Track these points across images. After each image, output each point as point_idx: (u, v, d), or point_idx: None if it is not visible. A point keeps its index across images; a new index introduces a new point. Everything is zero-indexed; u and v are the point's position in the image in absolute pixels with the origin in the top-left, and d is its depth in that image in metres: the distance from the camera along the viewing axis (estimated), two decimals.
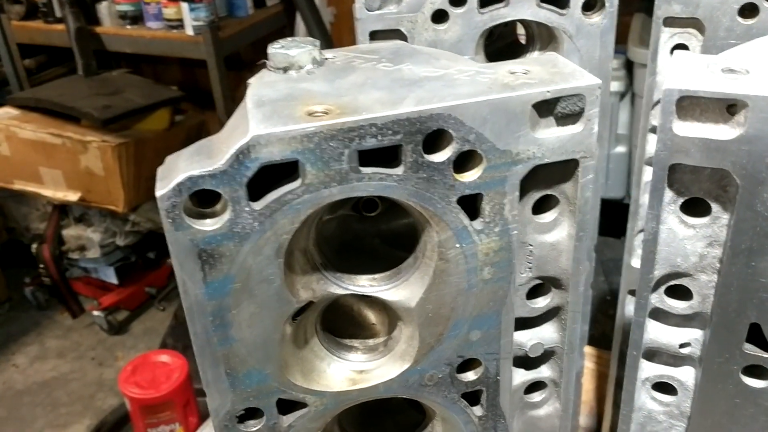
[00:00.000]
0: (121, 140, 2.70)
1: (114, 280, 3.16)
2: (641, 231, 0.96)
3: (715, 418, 0.61)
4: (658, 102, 0.83)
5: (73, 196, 2.81)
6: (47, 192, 2.85)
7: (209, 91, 2.98)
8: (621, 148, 2.66)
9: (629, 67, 2.50)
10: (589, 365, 1.51)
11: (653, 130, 0.88)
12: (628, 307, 1.05)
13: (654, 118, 0.88)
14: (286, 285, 0.52)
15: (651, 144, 0.91)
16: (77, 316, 3.19)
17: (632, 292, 1.03)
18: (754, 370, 0.58)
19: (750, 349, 0.57)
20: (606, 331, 1.62)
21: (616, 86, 2.45)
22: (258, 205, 0.49)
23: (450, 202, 0.52)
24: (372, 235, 0.61)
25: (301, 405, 0.58)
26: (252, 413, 0.57)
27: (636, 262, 1.00)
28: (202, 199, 0.49)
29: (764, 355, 0.56)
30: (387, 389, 0.59)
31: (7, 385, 2.88)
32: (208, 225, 0.49)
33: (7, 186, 2.91)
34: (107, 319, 3.05)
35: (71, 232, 3.00)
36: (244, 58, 3.35)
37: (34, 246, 3.03)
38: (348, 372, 0.59)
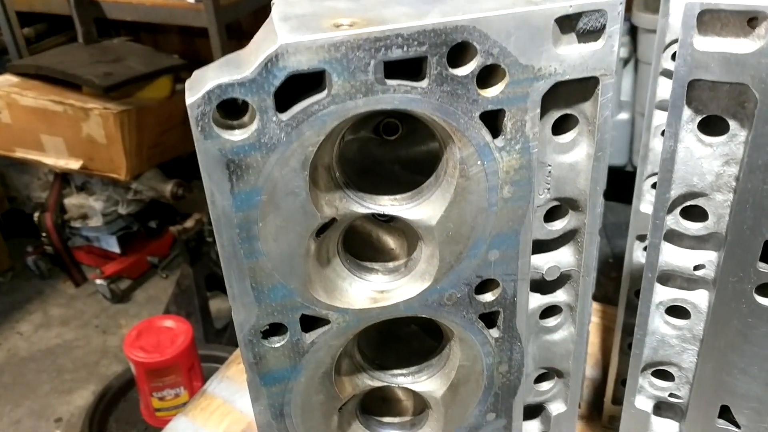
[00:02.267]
0: (123, 108, 2.69)
1: (116, 249, 3.17)
2: (651, 175, 0.97)
3: (727, 339, 0.63)
4: (670, 44, 0.83)
5: (74, 164, 2.81)
6: (49, 160, 2.85)
7: (210, 61, 2.96)
8: (624, 115, 2.67)
9: (633, 33, 2.50)
10: (593, 320, 1.52)
11: (665, 73, 0.89)
12: (636, 252, 1.06)
13: (665, 60, 0.89)
14: (311, 199, 0.53)
15: (662, 87, 0.92)
16: (80, 284, 3.20)
17: (641, 238, 1.04)
18: (767, 289, 0.59)
19: (764, 267, 0.58)
20: (609, 293, 1.64)
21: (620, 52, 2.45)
22: (285, 116, 0.50)
23: (473, 117, 0.53)
24: (392, 160, 0.61)
25: (324, 322, 0.59)
26: (276, 329, 0.58)
27: (645, 207, 1.01)
28: (230, 111, 0.50)
29: None
30: (407, 308, 0.60)
31: (11, 352, 2.90)
32: (237, 135, 0.50)
33: (8, 154, 2.91)
34: (110, 288, 3.06)
35: (73, 201, 3.01)
36: (244, 28, 3.33)
37: (36, 215, 3.04)
38: (369, 291, 0.60)
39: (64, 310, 3.11)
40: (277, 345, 0.59)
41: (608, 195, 1.23)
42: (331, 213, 0.56)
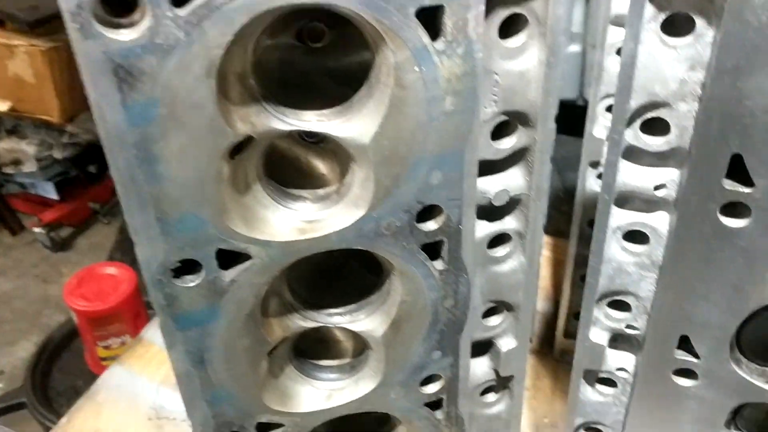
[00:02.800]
0: (52, 44, 2.52)
1: (54, 196, 3.02)
2: (606, 96, 0.91)
3: (689, 264, 0.58)
4: None
5: (2, 106, 2.64)
6: None
7: None
8: (574, 47, 2.60)
9: None
10: (544, 253, 1.49)
11: None
12: (589, 180, 1.01)
13: None
14: (221, 113, 0.45)
15: (615, 3, 0.85)
16: (17, 233, 3.06)
17: (594, 164, 0.99)
18: (732, 209, 0.54)
19: (730, 184, 0.53)
20: (560, 227, 1.60)
21: None
22: (183, 11, 0.41)
23: (407, 15, 0.45)
24: (318, 71, 0.54)
25: (245, 257, 0.52)
26: (189, 266, 0.51)
27: (599, 131, 0.96)
28: (115, 5, 0.41)
29: (745, 190, 0.52)
30: (341, 239, 0.54)
31: None
32: (124, 34, 0.41)
33: None
34: (49, 236, 2.93)
35: (4, 145, 2.84)
36: None
37: None
38: (296, 222, 0.53)
39: (1, 259, 2.97)
40: (191, 284, 0.52)
41: (559, 128, 1.18)
42: (246, 130, 0.48)
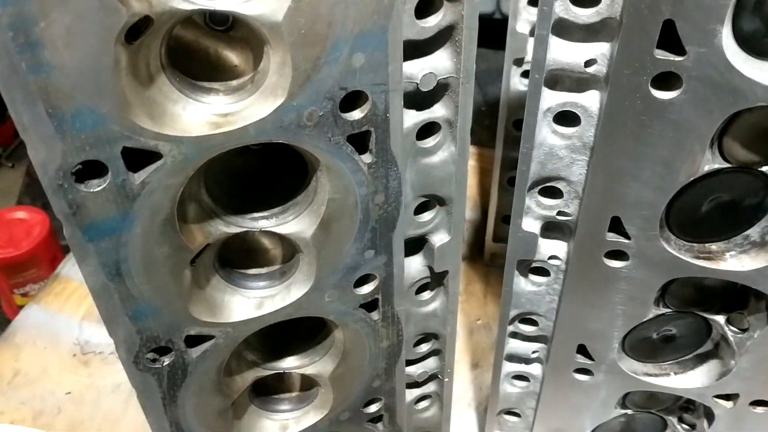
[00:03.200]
0: None
1: None
2: None
3: (620, 142, 0.57)
4: None
5: None
6: None
7: None
8: None
9: None
10: (470, 162, 1.49)
11: None
12: (513, 79, 0.99)
13: None
14: None
15: None
16: None
17: (518, 62, 0.97)
18: (663, 81, 0.53)
19: (661, 54, 0.51)
20: (483, 141, 1.60)
21: None
22: None
23: None
24: None
25: (156, 156, 0.48)
26: (93, 169, 0.46)
27: (522, 26, 0.93)
28: None
29: (676, 59, 0.51)
30: (259, 132, 0.49)
31: None
32: None
33: None
34: None
35: None
36: None
37: None
38: (208, 115, 0.49)
39: None
40: (97, 189, 0.47)
41: (477, 42, 1.15)
42: (142, 8, 0.43)
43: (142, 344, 0.57)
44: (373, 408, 0.77)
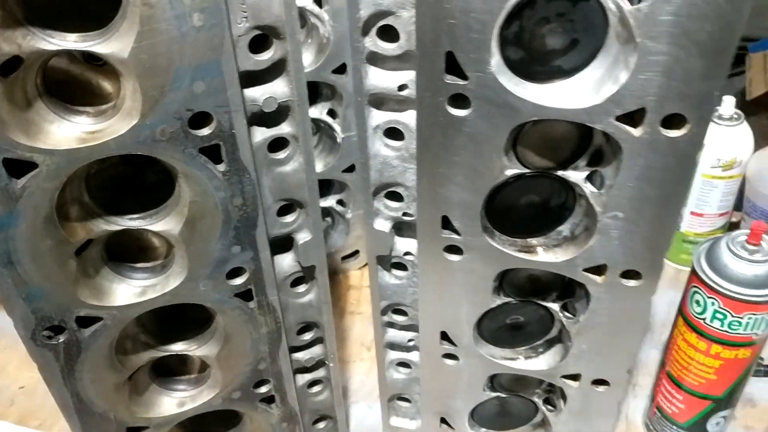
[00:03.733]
0: None
1: None
2: None
3: (433, 152, 0.68)
4: None
5: None
6: None
7: None
8: None
9: None
10: None
11: None
12: None
13: None
14: None
15: None
16: None
17: None
18: (457, 100, 0.64)
19: (450, 79, 0.63)
20: None
21: None
22: None
23: None
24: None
25: (33, 165, 0.60)
26: None
27: None
28: None
29: (462, 83, 0.62)
30: (119, 146, 0.61)
31: None
32: None
33: None
34: None
35: None
36: None
37: None
38: (77, 132, 0.61)
39: None
40: None
41: None
42: (11, 49, 0.55)
43: (37, 323, 0.69)
44: (263, 389, 0.88)
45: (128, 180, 0.70)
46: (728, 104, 1.11)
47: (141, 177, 0.71)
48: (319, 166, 1.19)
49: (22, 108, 0.58)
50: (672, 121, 0.61)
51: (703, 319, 0.86)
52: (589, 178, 0.69)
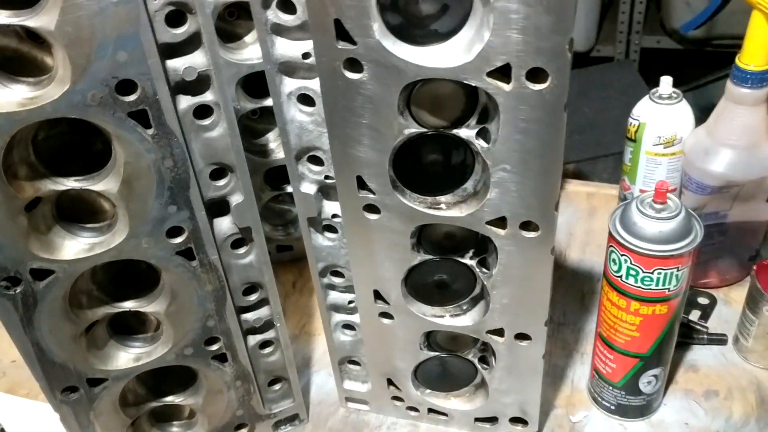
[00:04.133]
0: None
1: None
2: None
3: (339, 115, 0.76)
4: None
5: None
6: None
7: None
8: None
9: None
10: None
11: None
12: None
13: None
14: None
15: None
16: None
17: None
18: (351, 64, 0.72)
19: (342, 44, 0.71)
20: None
21: None
22: None
23: None
24: None
25: None
26: None
27: None
28: None
29: (351, 47, 0.70)
30: (55, 109, 0.71)
31: None
32: None
33: None
34: None
35: None
36: None
37: None
38: (17, 98, 0.70)
39: None
40: None
41: None
42: None
43: None
44: (214, 347, 0.96)
45: (73, 145, 0.80)
46: (666, 83, 1.16)
47: (84, 142, 0.80)
48: None
49: None
50: (535, 75, 0.67)
51: (620, 276, 0.91)
52: (481, 135, 0.76)
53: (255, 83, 1.12)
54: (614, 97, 2.48)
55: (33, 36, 0.73)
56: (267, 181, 1.30)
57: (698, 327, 1.17)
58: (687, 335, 1.15)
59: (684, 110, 1.17)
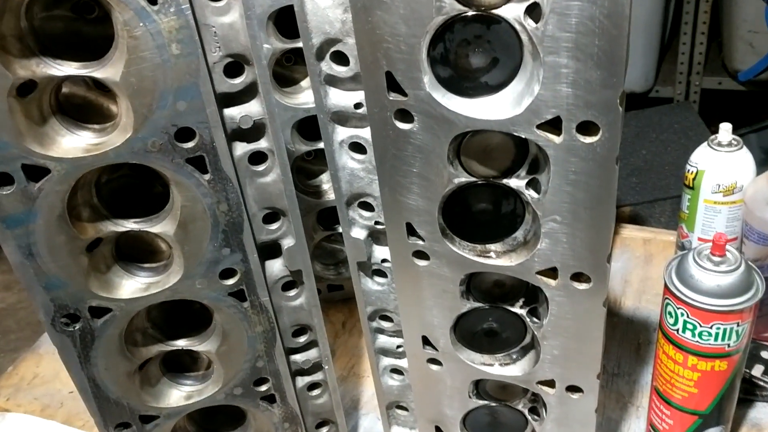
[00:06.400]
0: None
1: None
2: None
3: (390, 163, 0.77)
4: None
5: None
6: None
7: None
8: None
9: None
10: None
11: None
12: None
13: None
14: (0, 63, 0.66)
15: None
16: None
17: None
18: (403, 115, 0.73)
19: (393, 96, 0.72)
20: None
21: None
22: None
23: None
24: (85, 32, 0.74)
25: (46, 171, 0.73)
26: (4, 179, 0.72)
27: None
28: None
29: (402, 99, 0.71)
30: (117, 155, 0.74)
31: None
32: None
33: None
34: None
35: None
36: None
37: None
38: (83, 144, 0.74)
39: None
40: (8, 192, 0.72)
41: None
42: (26, 74, 0.69)
43: (55, 310, 0.81)
44: (263, 387, 0.97)
45: (133, 188, 0.83)
46: (725, 130, 1.14)
47: (144, 186, 0.83)
48: None
49: (38, 123, 0.72)
50: (586, 128, 0.67)
51: (676, 330, 0.89)
52: (531, 185, 0.76)
53: (310, 125, 1.14)
54: (673, 139, 2.43)
55: (99, 85, 0.77)
56: (320, 221, 1.32)
57: (762, 383, 1.12)
58: (749, 392, 1.10)
59: (744, 158, 1.14)
